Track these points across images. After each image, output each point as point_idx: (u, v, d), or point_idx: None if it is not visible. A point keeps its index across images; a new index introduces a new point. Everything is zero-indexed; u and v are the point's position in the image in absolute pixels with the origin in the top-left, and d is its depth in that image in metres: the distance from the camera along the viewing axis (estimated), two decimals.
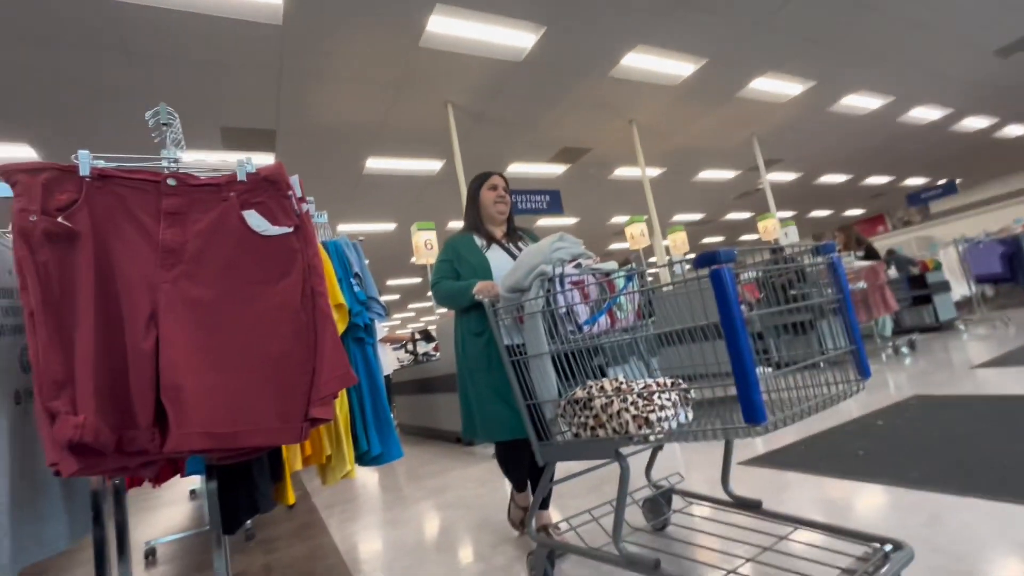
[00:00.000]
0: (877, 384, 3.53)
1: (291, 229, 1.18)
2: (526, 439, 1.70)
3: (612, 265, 1.48)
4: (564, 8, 4.11)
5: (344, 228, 8.41)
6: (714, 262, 0.92)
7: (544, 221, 9.61)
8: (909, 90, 6.95)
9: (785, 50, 5.37)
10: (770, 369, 1.11)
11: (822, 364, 1.14)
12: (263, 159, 5.71)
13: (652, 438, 1.16)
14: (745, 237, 15.12)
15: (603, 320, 1.42)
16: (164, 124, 1.31)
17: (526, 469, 1.85)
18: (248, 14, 3.58)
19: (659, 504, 1.68)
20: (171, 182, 1.13)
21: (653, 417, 1.17)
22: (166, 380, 1.02)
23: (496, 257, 1.80)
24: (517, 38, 4.38)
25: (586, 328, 1.38)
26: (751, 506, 1.42)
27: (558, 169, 7.48)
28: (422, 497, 2.76)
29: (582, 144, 6.80)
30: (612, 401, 1.21)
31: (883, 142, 8.99)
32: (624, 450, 1.23)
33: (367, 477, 3.65)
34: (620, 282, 1.41)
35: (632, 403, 1.19)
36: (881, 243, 9.85)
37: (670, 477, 1.76)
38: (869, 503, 1.64)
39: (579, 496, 2.21)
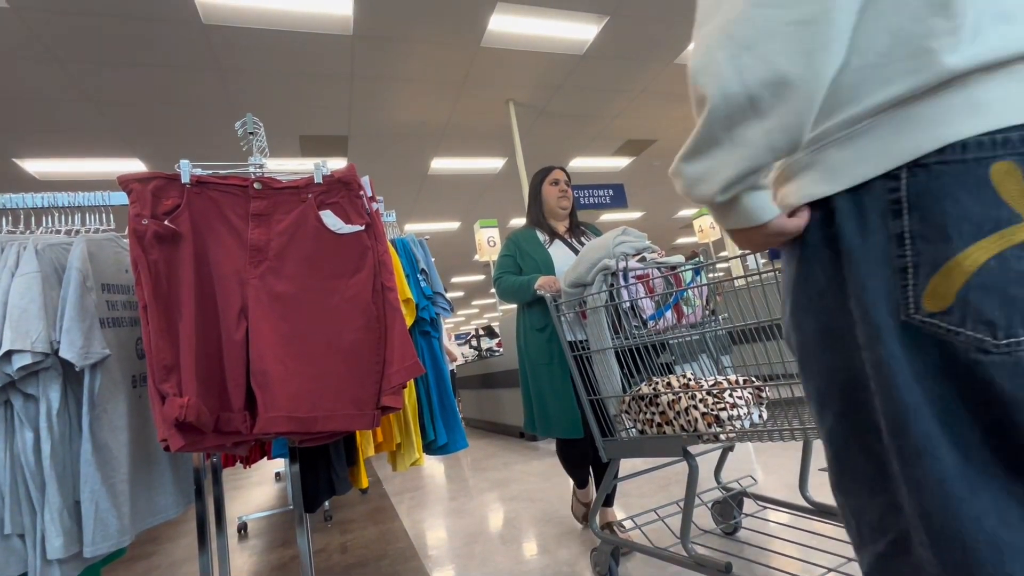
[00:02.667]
0: None
1: (363, 227, 1.25)
2: (585, 437, 1.69)
3: (679, 259, 1.43)
4: None
5: (411, 228, 8.74)
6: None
7: (608, 216, 9.43)
8: None
9: None
10: None
11: None
12: (337, 163, 6.05)
13: (723, 437, 1.12)
14: None
15: (669, 315, 1.38)
16: (251, 133, 1.43)
17: (587, 467, 1.84)
18: (322, 27, 3.80)
19: (729, 507, 1.61)
20: (257, 186, 1.22)
21: (724, 415, 1.12)
22: (255, 367, 1.11)
23: (558, 252, 1.80)
24: (578, 31, 4.33)
25: (651, 323, 1.35)
26: (832, 514, 1.32)
27: (622, 162, 7.32)
28: (486, 488, 2.81)
29: (647, 135, 6.60)
30: (680, 398, 1.18)
31: None
32: (692, 449, 1.19)
33: (434, 467, 3.78)
34: (687, 276, 1.36)
35: (701, 400, 1.15)
36: None
37: (741, 480, 1.68)
38: None
39: (645, 495, 2.16)
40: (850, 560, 1.15)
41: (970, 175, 0.38)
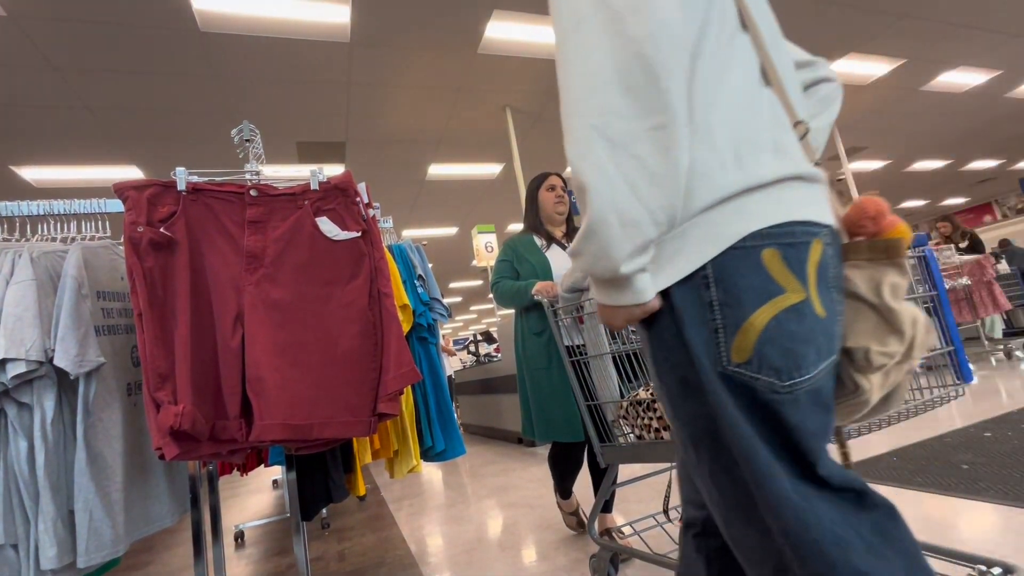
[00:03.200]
0: (985, 391, 3.17)
1: (359, 234, 1.25)
2: (582, 442, 1.68)
3: None
4: None
5: (408, 233, 8.74)
6: None
7: None
8: (1019, 62, 6.19)
9: (871, 27, 4.96)
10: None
11: (917, 368, 1.04)
12: (334, 170, 6.05)
13: None
14: None
15: None
16: (247, 140, 1.43)
17: (575, 475, 1.83)
18: (319, 35, 3.82)
19: None
20: (253, 193, 1.22)
21: None
22: (251, 374, 1.11)
23: (556, 257, 1.80)
24: None
25: None
26: None
27: None
28: (485, 495, 2.80)
29: None
30: None
31: (988, 122, 8.06)
32: None
33: (432, 473, 3.76)
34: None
35: None
36: (991, 234, 8.82)
37: None
38: (974, 522, 1.47)
39: (644, 500, 2.15)
40: None
41: (751, 259, 0.52)
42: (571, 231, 1.93)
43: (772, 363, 0.50)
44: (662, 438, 1.21)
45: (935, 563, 1.09)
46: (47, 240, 1.35)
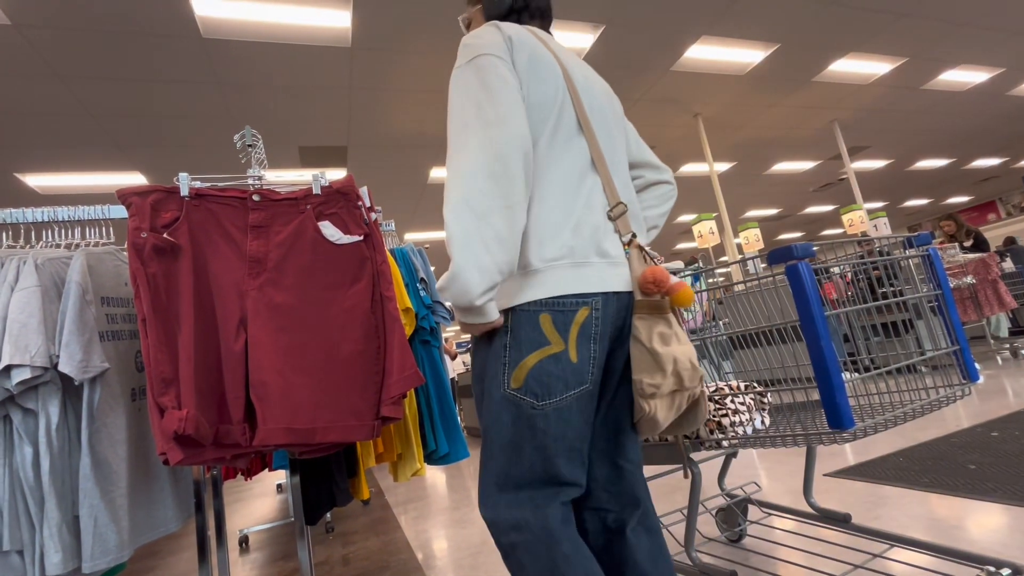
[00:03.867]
0: (992, 391, 3.15)
1: (361, 237, 1.25)
2: None
3: (677, 265, 1.43)
4: (623, 5, 4.04)
5: (410, 236, 8.74)
6: (790, 257, 0.87)
7: None
8: (1020, 59, 6.17)
9: (871, 26, 4.95)
10: (855, 375, 1.02)
11: (922, 367, 1.03)
12: (336, 174, 6.08)
13: (725, 443, 1.11)
14: (828, 232, 14.04)
15: None
16: (249, 146, 1.43)
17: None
18: (321, 40, 3.84)
19: (734, 514, 1.60)
20: (256, 198, 1.23)
21: (726, 422, 1.12)
22: (254, 379, 1.11)
23: None
24: (574, 40, 4.37)
25: None
26: (838, 520, 1.31)
27: None
28: None
29: (645, 142, 6.63)
30: None
31: (991, 120, 8.03)
32: (695, 456, 1.18)
33: (436, 476, 3.75)
34: (687, 282, 1.36)
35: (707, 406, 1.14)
36: (995, 232, 8.78)
37: (745, 486, 1.67)
38: (982, 522, 1.46)
39: None
40: (857, 567, 1.14)
41: (532, 317, 0.76)
42: None
43: (533, 390, 0.75)
44: (666, 440, 1.21)
45: (943, 564, 1.09)
46: (52, 246, 1.36)
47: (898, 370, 1.01)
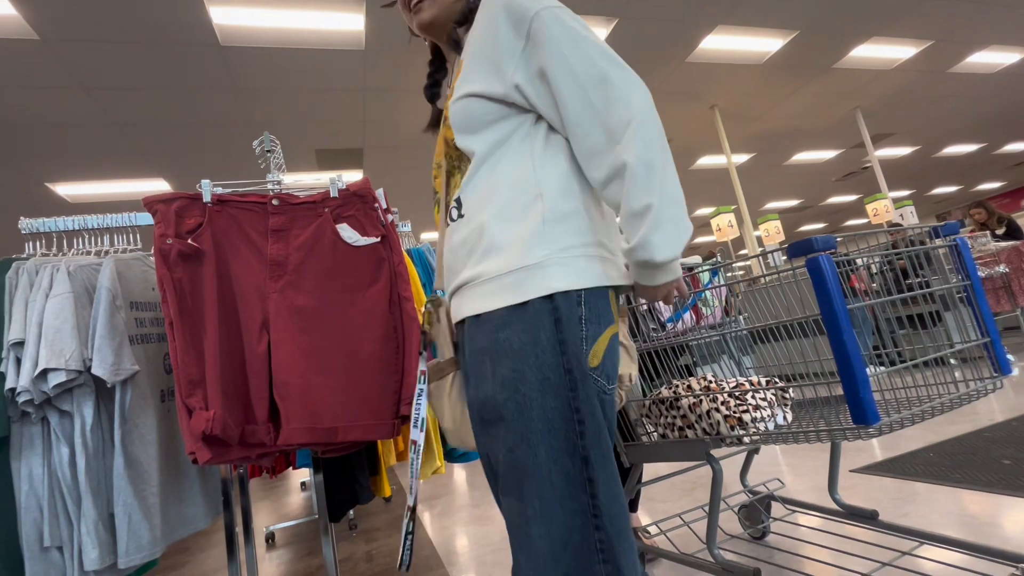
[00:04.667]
0: None
1: (378, 239, 1.27)
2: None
3: (696, 260, 1.42)
4: None
5: (427, 236, 8.80)
6: (810, 250, 0.85)
7: None
8: None
9: (894, 9, 4.81)
10: (882, 368, 1.00)
11: (951, 360, 1.01)
12: (353, 176, 6.15)
13: (747, 439, 1.09)
14: (852, 222, 13.70)
15: (687, 317, 1.36)
16: (268, 151, 1.46)
17: None
18: (335, 44, 3.88)
19: (756, 511, 1.58)
20: (275, 202, 1.25)
21: (747, 418, 1.10)
22: (277, 380, 1.14)
23: None
24: None
25: (669, 325, 1.34)
26: (865, 517, 1.29)
27: None
28: None
29: None
30: (701, 400, 1.16)
31: (1022, 103, 7.73)
32: (717, 452, 1.17)
33: (456, 474, 3.78)
34: (704, 277, 1.34)
35: (723, 402, 1.13)
36: None
37: (768, 483, 1.64)
38: (1017, 519, 1.42)
39: (670, 500, 2.13)
40: (885, 565, 1.12)
41: (604, 292, 0.68)
42: None
43: (607, 371, 0.66)
44: (686, 437, 1.20)
45: (976, 562, 1.06)
46: (83, 254, 1.40)
47: (925, 363, 0.99)
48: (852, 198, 11.34)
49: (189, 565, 2.52)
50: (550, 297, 0.65)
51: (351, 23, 3.71)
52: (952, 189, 12.65)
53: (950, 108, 7.45)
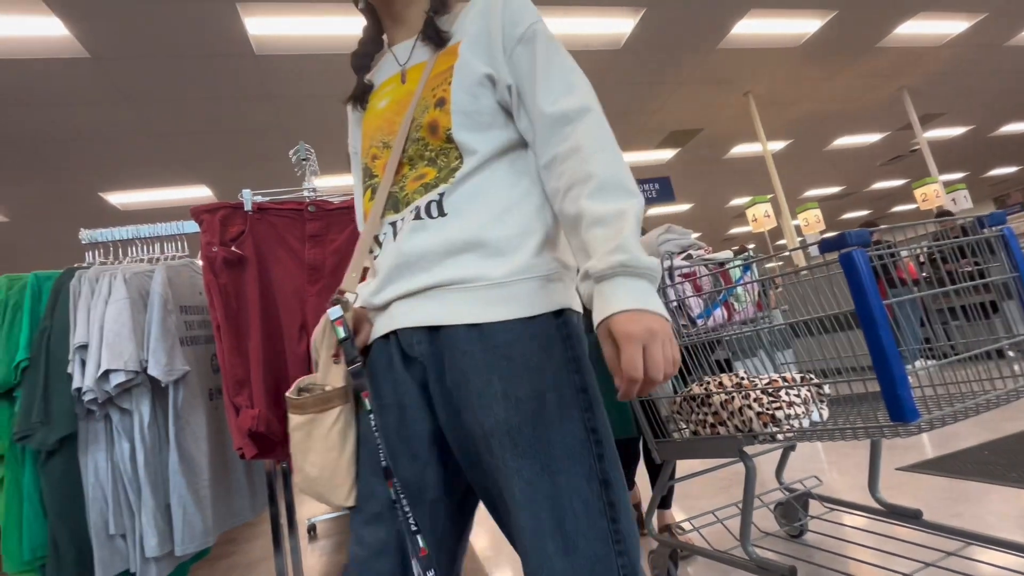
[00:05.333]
0: None
1: None
2: (631, 438, 1.67)
3: (727, 255, 1.40)
4: None
5: None
6: (843, 245, 0.84)
7: (655, 210, 9.22)
8: None
9: None
10: (932, 361, 0.97)
11: (1010, 352, 0.96)
12: None
13: (780, 436, 1.08)
14: (899, 208, 13.05)
15: (719, 313, 1.35)
16: (303, 159, 1.52)
17: (634, 467, 1.81)
18: None
19: (793, 509, 1.55)
20: (311, 209, 1.31)
21: (780, 415, 1.08)
22: None
23: None
24: (614, 25, 4.27)
25: (700, 322, 1.32)
26: (908, 516, 1.25)
27: (667, 155, 7.15)
28: None
29: (692, 125, 6.41)
30: (733, 397, 1.15)
31: None
32: (751, 449, 1.15)
33: None
34: (736, 272, 1.32)
35: (756, 399, 1.11)
36: None
37: (805, 480, 1.61)
38: None
39: (704, 496, 2.11)
40: (928, 565, 1.08)
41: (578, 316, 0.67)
42: None
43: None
44: (718, 433, 1.19)
45: None
46: (136, 261, 1.50)
47: (979, 356, 0.95)
48: (899, 183, 10.80)
49: (237, 555, 2.66)
50: (559, 312, 0.62)
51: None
52: (1011, 170, 11.87)
53: (1007, 84, 6.99)
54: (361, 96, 0.82)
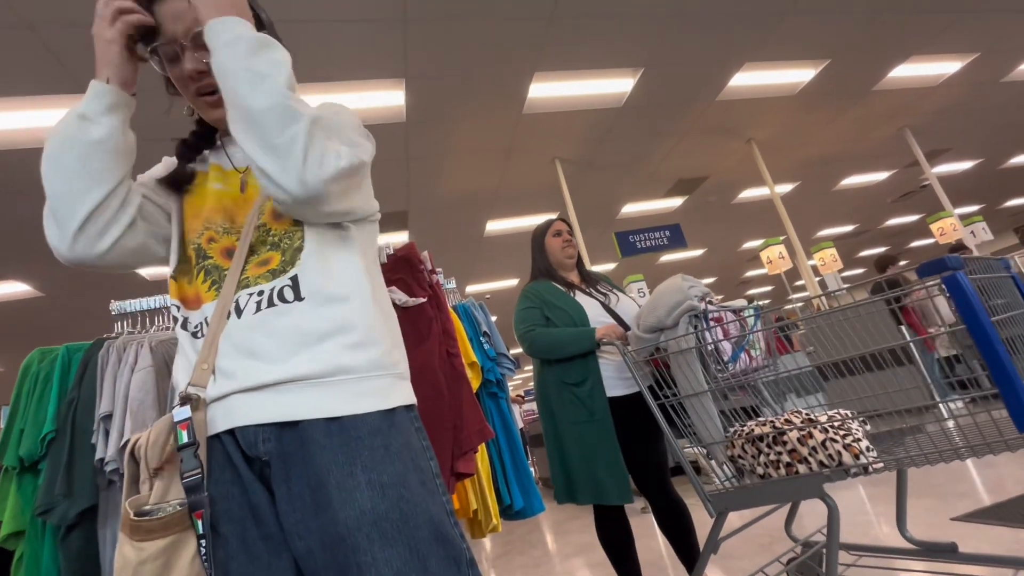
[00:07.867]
0: None
1: (426, 299, 1.32)
2: (620, 508, 1.57)
3: (741, 303, 1.39)
4: (659, 47, 4.13)
5: (471, 288, 8.97)
6: (944, 269, 0.88)
7: (669, 256, 9.25)
8: None
9: (931, 28, 4.72)
10: None
11: None
12: (399, 237, 6.44)
13: (878, 466, 1.02)
14: (917, 243, 12.89)
15: (743, 357, 1.32)
16: None
17: (631, 545, 1.63)
18: (379, 119, 4.20)
19: (810, 568, 1.41)
20: None
21: (862, 446, 1.04)
22: None
23: (585, 301, 1.69)
24: (615, 85, 4.49)
25: (731, 365, 1.29)
26: (945, 551, 1.15)
27: (675, 202, 7.25)
28: (571, 553, 2.68)
29: (698, 173, 6.55)
30: (810, 432, 1.09)
31: None
32: (828, 487, 1.08)
33: (513, 531, 3.65)
34: (750, 320, 1.31)
35: (836, 432, 1.07)
36: None
37: (812, 536, 1.49)
38: None
39: (745, 556, 1.97)
40: None
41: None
42: (585, 276, 1.84)
43: None
44: (796, 472, 1.11)
45: None
46: (163, 329, 1.54)
47: None
48: (914, 218, 10.73)
49: None
50: (409, 407, 0.67)
51: (393, 100, 4.02)
52: None
53: (1009, 117, 7.06)
54: (174, 182, 0.80)
